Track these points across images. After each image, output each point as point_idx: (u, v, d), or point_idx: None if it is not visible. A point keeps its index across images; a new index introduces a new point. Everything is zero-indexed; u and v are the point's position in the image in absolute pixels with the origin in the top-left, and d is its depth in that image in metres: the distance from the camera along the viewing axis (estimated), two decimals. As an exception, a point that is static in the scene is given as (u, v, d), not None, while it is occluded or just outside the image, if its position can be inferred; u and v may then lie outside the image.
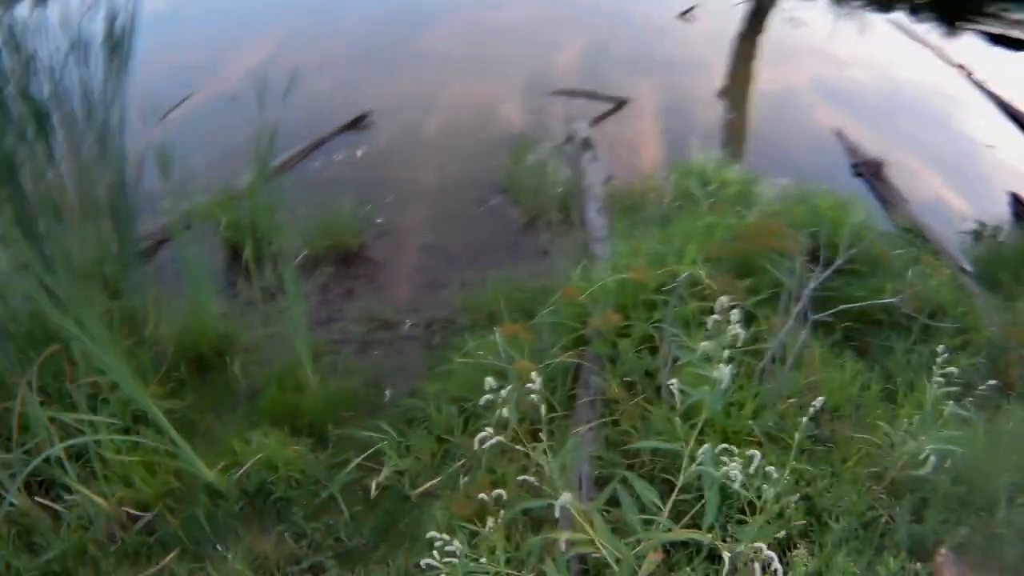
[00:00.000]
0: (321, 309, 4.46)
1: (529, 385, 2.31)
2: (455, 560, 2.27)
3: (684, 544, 2.60)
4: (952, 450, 2.90)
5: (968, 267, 4.71)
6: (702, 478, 2.20)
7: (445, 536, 2.27)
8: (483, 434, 2.25)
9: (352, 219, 4.97)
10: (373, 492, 3.30)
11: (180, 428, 3.21)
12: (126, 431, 3.28)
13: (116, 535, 3.09)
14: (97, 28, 4.45)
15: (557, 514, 2.26)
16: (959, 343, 3.78)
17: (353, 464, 3.37)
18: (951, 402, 3.04)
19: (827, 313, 3.54)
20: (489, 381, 2.24)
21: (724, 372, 2.17)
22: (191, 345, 3.87)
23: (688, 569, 2.54)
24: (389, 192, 5.57)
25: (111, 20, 4.36)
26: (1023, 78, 8.08)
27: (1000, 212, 5.79)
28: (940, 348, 3.00)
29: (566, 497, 2.18)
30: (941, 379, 2.98)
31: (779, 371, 3.26)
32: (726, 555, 2.10)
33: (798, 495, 2.79)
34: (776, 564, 1.97)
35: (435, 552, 2.27)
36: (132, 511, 3.15)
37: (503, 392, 2.25)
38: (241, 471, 3.30)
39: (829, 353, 3.59)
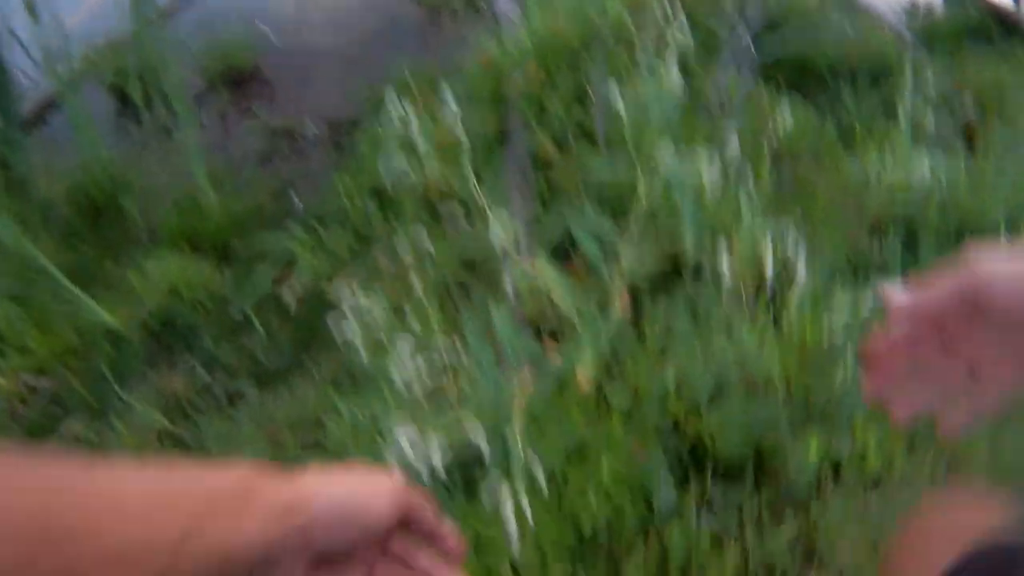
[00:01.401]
0: (220, 134, 4.10)
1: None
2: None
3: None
4: (937, 181, 2.67)
5: (907, 34, 4.49)
6: (668, 190, 1.85)
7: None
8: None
9: (245, 40, 4.57)
10: (291, 305, 2.95)
11: (77, 280, 2.91)
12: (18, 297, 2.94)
13: (19, 412, 2.75)
14: None
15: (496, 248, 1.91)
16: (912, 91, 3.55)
17: (265, 276, 3.02)
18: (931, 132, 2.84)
19: (773, 60, 3.24)
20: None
21: (673, 73, 1.84)
22: (83, 195, 3.53)
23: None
24: (280, 12, 5.13)
25: None
26: None
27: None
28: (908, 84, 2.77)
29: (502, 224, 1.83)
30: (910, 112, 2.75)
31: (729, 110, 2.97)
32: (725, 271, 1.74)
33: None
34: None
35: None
36: (31, 381, 2.81)
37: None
38: (144, 309, 2.93)
39: (776, 99, 3.30)
